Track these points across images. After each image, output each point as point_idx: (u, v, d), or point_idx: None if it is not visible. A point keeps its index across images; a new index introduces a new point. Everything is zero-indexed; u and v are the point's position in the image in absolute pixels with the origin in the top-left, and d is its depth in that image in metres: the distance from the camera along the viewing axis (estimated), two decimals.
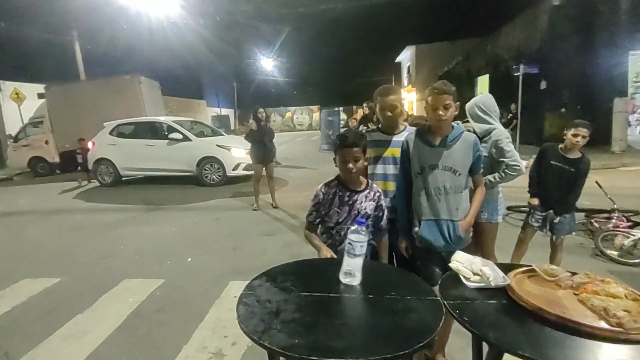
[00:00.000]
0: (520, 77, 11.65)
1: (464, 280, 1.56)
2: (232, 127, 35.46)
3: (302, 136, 30.74)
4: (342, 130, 14.40)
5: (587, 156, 3.10)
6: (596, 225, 4.66)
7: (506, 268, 1.60)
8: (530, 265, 1.60)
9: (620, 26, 11.25)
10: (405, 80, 36.24)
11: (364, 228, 1.56)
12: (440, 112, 2.00)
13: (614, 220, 4.51)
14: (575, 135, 3.02)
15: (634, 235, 4.11)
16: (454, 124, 2.11)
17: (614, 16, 11.31)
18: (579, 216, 5.02)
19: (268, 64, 33.79)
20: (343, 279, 1.56)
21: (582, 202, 4.73)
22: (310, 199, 2.08)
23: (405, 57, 35.69)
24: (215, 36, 19.52)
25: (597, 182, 4.73)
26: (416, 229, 2.10)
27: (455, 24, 23.75)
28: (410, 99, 32.81)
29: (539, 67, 12.12)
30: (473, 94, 20.81)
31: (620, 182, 8.38)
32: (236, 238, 5.44)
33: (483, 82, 19.77)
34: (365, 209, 2.00)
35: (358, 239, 1.53)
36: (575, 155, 3.09)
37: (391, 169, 2.33)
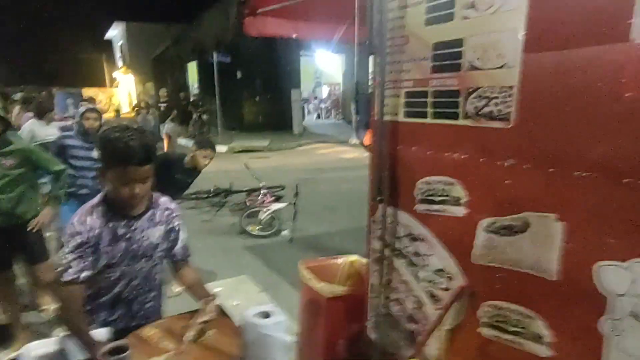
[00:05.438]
0: (215, 66, 12.00)
1: None
2: None
3: None
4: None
5: None
6: (248, 204, 4.98)
7: None
8: None
9: None
10: (119, 61, 32.24)
11: None
12: None
13: (260, 197, 4.90)
14: (205, 157, 2.84)
15: (271, 209, 4.54)
16: None
17: None
18: (241, 197, 5.33)
19: None
20: None
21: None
22: (63, 241, 1.23)
23: (117, 34, 31.63)
24: None
25: (245, 165, 5.04)
26: None
27: (162, 5, 22.52)
28: (127, 83, 29.28)
29: (232, 57, 12.83)
30: (185, 80, 20.56)
31: (294, 159, 9.93)
32: None
33: (192, 69, 19.73)
34: (148, 238, 1.31)
35: None
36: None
37: None
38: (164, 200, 1.42)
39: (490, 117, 1.12)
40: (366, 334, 1.75)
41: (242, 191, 5.21)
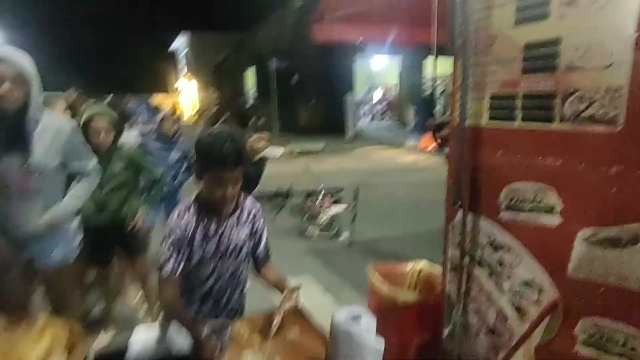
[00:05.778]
0: (272, 71, 12.37)
1: None
2: None
3: None
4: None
5: None
6: (308, 206, 5.05)
7: None
8: None
9: None
10: (182, 69, 34.48)
11: None
12: None
13: (319, 200, 4.95)
14: (260, 140, 2.92)
15: (330, 212, 4.58)
16: None
17: None
18: (301, 199, 5.43)
19: None
20: None
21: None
22: (162, 237, 1.32)
23: (181, 44, 33.86)
24: None
25: (307, 166, 5.13)
26: None
27: (222, 15, 23.65)
28: (190, 89, 31.23)
29: (288, 63, 13.14)
30: (243, 85, 21.42)
31: (349, 162, 9.93)
32: None
33: (251, 75, 20.49)
34: (236, 237, 1.40)
35: None
36: None
37: None
38: (249, 200, 1.49)
39: (593, 120, 1.04)
40: (441, 343, 1.71)
41: (302, 193, 5.30)
